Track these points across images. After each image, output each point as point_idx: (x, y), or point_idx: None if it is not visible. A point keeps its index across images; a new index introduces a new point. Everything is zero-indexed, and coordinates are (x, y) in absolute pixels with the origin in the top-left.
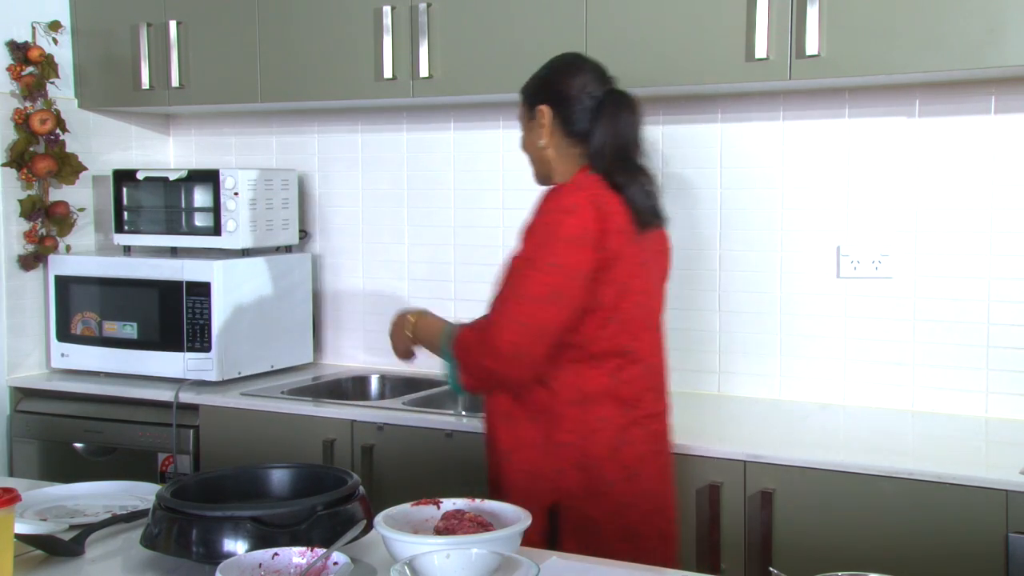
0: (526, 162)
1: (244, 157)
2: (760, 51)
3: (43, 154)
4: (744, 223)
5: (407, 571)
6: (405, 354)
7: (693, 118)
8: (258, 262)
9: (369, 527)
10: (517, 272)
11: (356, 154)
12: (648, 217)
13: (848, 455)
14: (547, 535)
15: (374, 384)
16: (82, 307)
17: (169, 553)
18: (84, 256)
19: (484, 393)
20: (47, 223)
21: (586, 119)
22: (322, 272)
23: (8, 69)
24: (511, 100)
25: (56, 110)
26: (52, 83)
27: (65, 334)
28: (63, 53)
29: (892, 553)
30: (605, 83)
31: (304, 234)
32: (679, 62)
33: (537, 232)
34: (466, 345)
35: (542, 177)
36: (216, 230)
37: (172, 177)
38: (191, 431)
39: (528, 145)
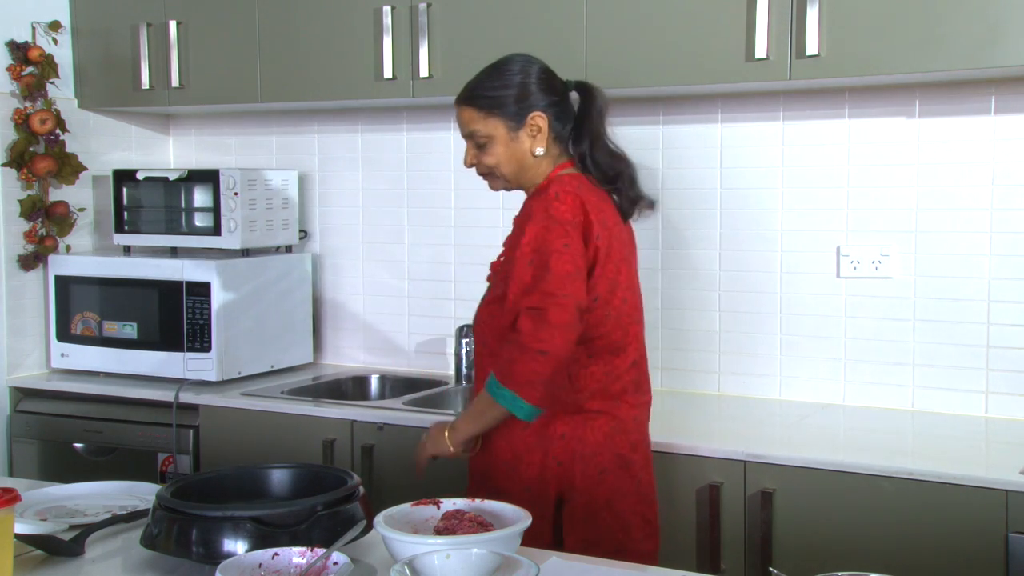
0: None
1: (244, 157)
2: (760, 51)
3: (43, 154)
4: (744, 223)
5: (407, 571)
6: (422, 470)
7: (693, 118)
8: (258, 262)
9: (369, 527)
10: (535, 260)
11: (356, 154)
12: (638, 205)
13: (848, 455)
14: (555, 526)
15: (374, 384)
16: (82, 307)
17: (169, 553)
18: (84, 256)
19: (550, 397)
20: (47, 223)
21: (571, 117)
22: (322, 272)
23: (8, 69)
24: None
25: (56, 110)
26: (52, 83)
27: (65, 334)
28: (63, 53)
29: (892, 553)
30: (558, 78)
31: (304, 234)
32: (679, 62)
33: (538, 223)
34: (511, 367)
35: (521, 184)
36: (216, 230)
37: (172, 177)
38: (191, 431)
39: (514, 156)
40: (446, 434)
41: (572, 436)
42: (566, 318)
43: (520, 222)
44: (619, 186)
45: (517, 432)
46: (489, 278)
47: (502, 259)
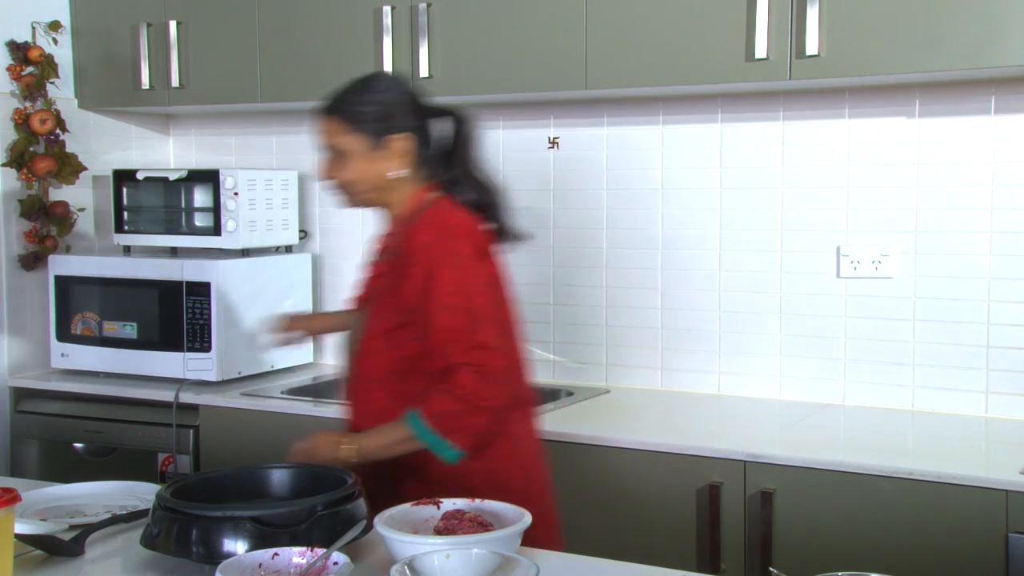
0: (530, 162)
1: (244, 157)
2: (760, 51)
3: (43, 154)
4: (744, 223)
5: (407, 571)
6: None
7: (693, 118)
8: (258, 262)
9: (369, 527)
10: (460, 306)
11: None
12: (514, 236)
13: (848, 455)
14: None
15: None
16: (82, 307)
17: (169, 553)
18: (84, 256)
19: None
20: (47, 223)
21: (437, 142)
22: (322, 272)
23: (8, 69)
24: (511, 100)
25: (56, 110)
26: (52, 83)
27: (65, 334)
28: (63, 53)
29: (892, 553)
30: (425, 101)
31: (304, 234)
32: (679, 62)
33: (451, 264)
34: (449, 420)
35: (378, 204)
36: (216, 230)
37: (172, 177)
38: (191, 431)
39: (372, 175)
40: (343, 448)
41: (518, 449)
42: (506, 370)
43: (423, 260)
44: (489, 215)
45: (498, 462)
46: (361, 305)
47: (381, 287)
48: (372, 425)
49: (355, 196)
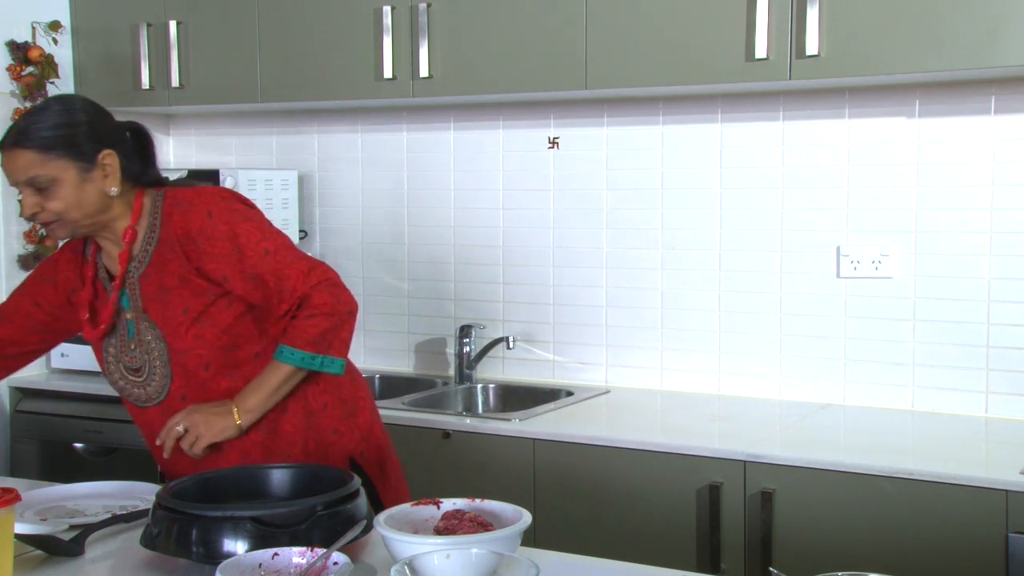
0: (530, 162)
1: (244, 157)
2: (760, 51)
3: None
4: (744, 223)
5: (407, 571)
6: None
7: (693, 118)
8: None
9: (369, 527)
10: (271, 249)
11: (356, 154)
12: None
13: (848, 455)
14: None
15: (374, 384)
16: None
17: (169, 553)
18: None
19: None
20: None
21: (133, 153)
22: None
23: (8, 69)
24: (511, 100)
25: None
26: (52, 83)
27: None
28: (63, 53)
29: (892, 553)
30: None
31: (304, 234)
32: (679, 62)
33: (238, 217)
34: (328, 336)
35: (94, 226)
36: None
37: (172, 177)
38: None
39: (87, 198)
40: (235, 416)
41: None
42: (338, 276)
43: (217, 232)
44: None
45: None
46: (111, 325)
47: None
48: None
49: (70, 225)
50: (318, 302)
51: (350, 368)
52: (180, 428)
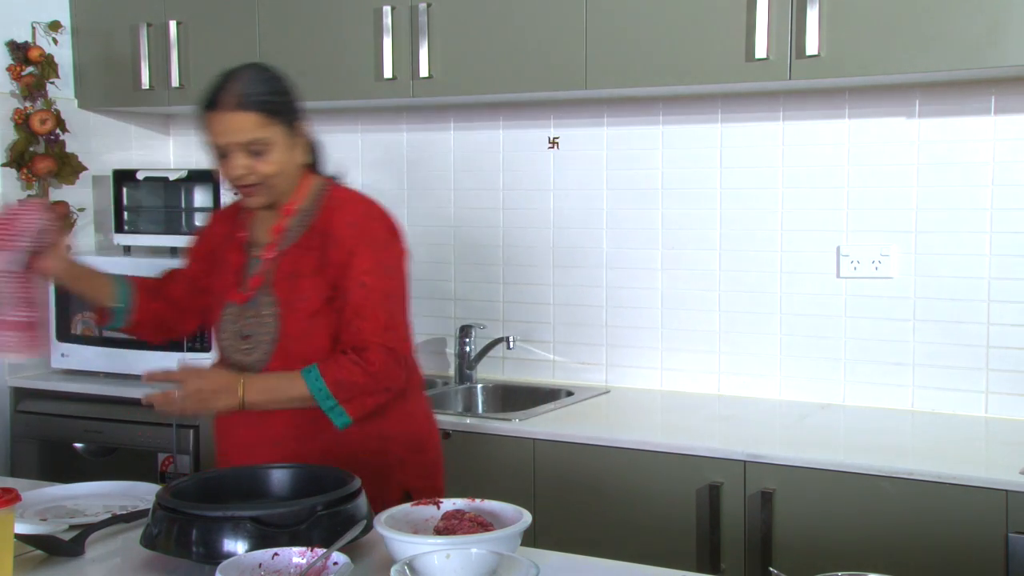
0: (530, 162)
1: None
2: (760, 51)
3: (43, 154)
4: (744, 223)
5: (407, 571)
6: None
7: (693, 118)
8: None
9: (369, 527)
10: (384, 290)
11: (356, 154)
12: None
13: (848, 455)
14: None
15: None
16: (82, 307)
17: (169, 553)
18: (84, 256)
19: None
20: None
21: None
22: None
23: (8, 69)
24: (511, 100)
25: (56, 110)
26: (52, 83)
27: (65, 334)
28: (63, 53)
29: (892, 553)
30: None
31: None
32: (679, 62)
33: (370, 239)
34: (354, 392)
35: (280, 196)
36: None
37: (172, 177)
38: (191, 431)
39: (289, 165)
40: (240, 400)
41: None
42: (409, 354)
43: (346, 238)
44: None
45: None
46: (251, 291)
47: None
48: (282, 413)
49: (271, 191)
50: (372, 359)
51: (427, 410)
52: (186, 389)
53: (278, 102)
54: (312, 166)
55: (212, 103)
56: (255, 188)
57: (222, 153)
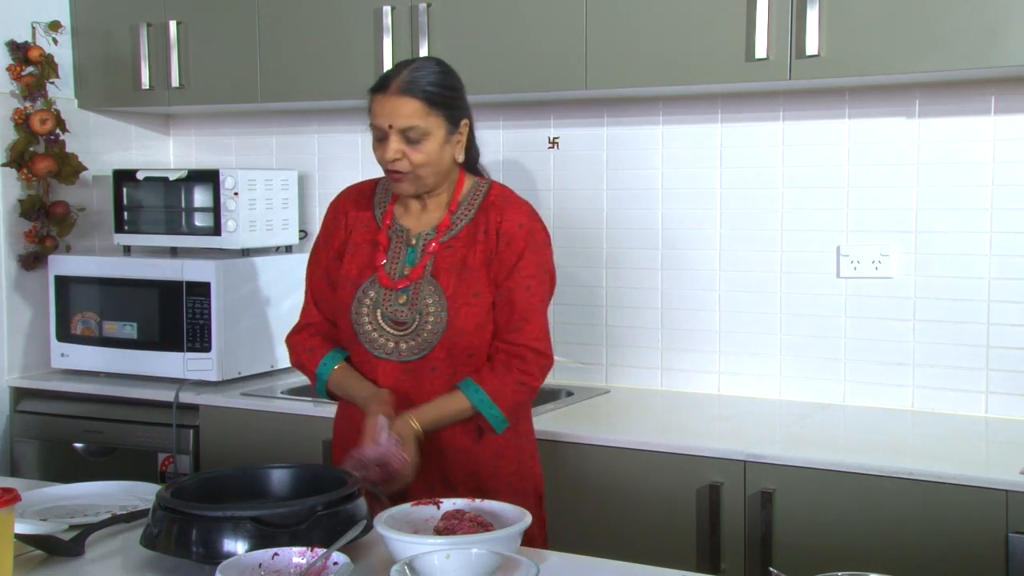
0: (530, 162)
1: (244, 157)
2: (760, 51)
3: (43, 154)
4: (744, 223)
5: (407, 571)
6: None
7: (693, 118)
8: (258, 262)
9: (369, 527)
10: (538, 293)
11: (356, 154)
12: None
13: (848, 455)
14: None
15: None
16: (82, 307)
17: (169, 553)
18: (84, 256)
19: None
20: (47, 223)
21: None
22: None
23: (8, 69)
24: (511, 100)
25: (56, 110)
26: (52, 83)
27: (65, 334)
28: (63, 53)
29: (892, 553)
30: None
31: (304, 234)
32: (679, 62)
33: (535, 243)
34: (513, 396)
35: (430, 188)
36: (216, 230)
37: (172, 177)
38: (191, 431)
39: (443, 159)
40: (415, 430)
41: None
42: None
43: (517, 240)
44: None
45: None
46: (414, 280)
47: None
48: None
49: (419, 181)
50: (533, 369)
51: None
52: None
53: (443, 94)
54: (468, 165)
55: (381, 86)
56: (405, 175)
57: (380, 136)
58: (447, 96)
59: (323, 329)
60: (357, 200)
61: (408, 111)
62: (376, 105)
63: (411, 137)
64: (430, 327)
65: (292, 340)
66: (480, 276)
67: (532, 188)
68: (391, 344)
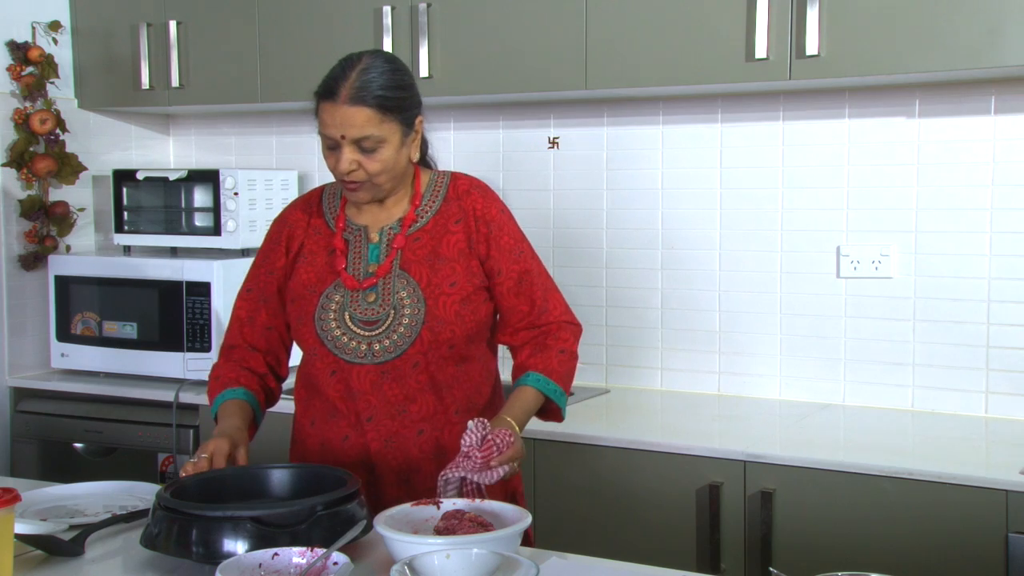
0: (530, 162)
1: (244, 157)
2: (760, 51)
3: (43, 154)
4: (744, 223)
5: (407, 571)
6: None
7: (693, 118)
8: None
9: (369, 527)
10: (542, 270)
11: None
12: None
13: (848, 455)
14: None
15: None
16: (82, 307)
17: (169, 553)
18: (84, 256)
19: None
20: (47, 223)
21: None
22: None
23: (8, 69)
24: (511, 100)
25: (56, 110)
26: (52, 83)
27: (65, 334)
28: (63, 53)
29: (892, 553)
30: None
31: None
32: (679, 62)
33: (518, 232)
34: (569, 378)
35: (387, 193)
36: (216, 230)
37: (172, 177)
38: (191, 431)
39: (399, 163)
40: (512, 425)
41: None
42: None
43: (497, 225)
44: None
45: None
46: (377, 276)
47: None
48: (425, 399)
49: (376, 189)
50: (566, 335)
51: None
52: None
53: (396, 97)
54: (421, 161)
55: (329, 92)
56: (361, 184)
57: (332, 145)
58: (400, 98)
59: (242, 355)
60: (305, 210)
61: (361, 120)
62: (325, 114)
63: (365, 147)
64: (407, 320)
65: (216, 362)
66: (456, 266)
67: (532, 188)
68: (363, 347)
